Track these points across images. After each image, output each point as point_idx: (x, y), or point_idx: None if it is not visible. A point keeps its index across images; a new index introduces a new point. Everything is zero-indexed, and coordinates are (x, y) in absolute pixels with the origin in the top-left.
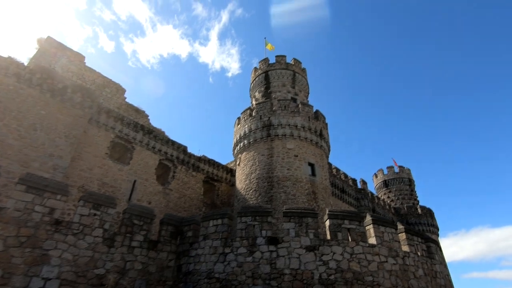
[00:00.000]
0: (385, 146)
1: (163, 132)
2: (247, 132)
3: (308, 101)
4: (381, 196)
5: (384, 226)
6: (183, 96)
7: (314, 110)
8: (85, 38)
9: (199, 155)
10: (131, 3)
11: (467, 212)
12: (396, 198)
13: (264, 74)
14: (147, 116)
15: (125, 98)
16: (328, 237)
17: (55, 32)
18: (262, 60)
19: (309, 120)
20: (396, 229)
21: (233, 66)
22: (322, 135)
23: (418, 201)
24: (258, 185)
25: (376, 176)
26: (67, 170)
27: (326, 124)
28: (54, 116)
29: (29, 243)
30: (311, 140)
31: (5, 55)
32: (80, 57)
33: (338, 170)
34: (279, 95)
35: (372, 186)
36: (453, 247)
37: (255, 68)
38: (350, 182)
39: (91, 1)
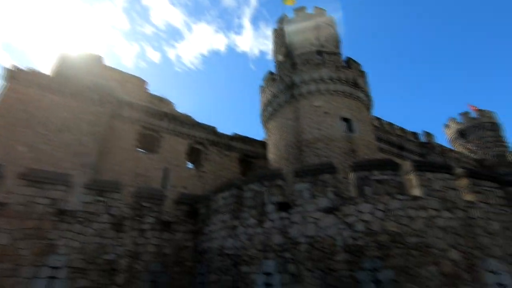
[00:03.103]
0: (455, 91)
1: (189, 117)
2: (270, 98)
3: (338, 52)
4: (458, 149)
5: (433, 171)
6: (226, 88)
7: (345, 58)
8: (135, 54)
9: (231, 134)
10: (165, 12)
11: None
12: (477, 148)
13: (282, 33)
14: (172, 103)
15: (147, 89)
16: (353, 194)
17: (109, 54)
18: (278, 19)
19: (337, 70)
20: (452, 174)
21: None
22: (357, 84)
23: (508, 147)
24: (287, 153)
25: (448, 127)
26: (97, 166)
27: (363, 72)
28: (77, 116)
29: (35, 234)
30: (343, 92)
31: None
32: (98, 58)
33: (391, 124)
34: (300, 51)
35: (442, 140)
36: None
37: (274, 29)
38: (410, 137)
39: (131, 19)
